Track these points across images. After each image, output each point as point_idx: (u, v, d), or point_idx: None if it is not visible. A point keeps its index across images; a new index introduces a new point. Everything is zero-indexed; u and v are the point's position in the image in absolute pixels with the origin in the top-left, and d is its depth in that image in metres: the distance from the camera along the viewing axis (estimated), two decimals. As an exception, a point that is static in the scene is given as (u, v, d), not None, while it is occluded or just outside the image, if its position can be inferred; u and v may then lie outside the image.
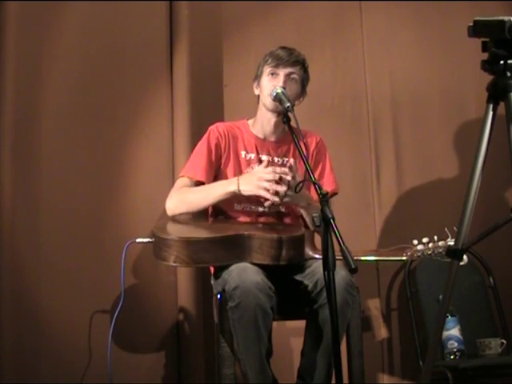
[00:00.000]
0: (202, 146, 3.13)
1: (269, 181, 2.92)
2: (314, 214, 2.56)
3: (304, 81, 3.13)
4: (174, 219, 3.06)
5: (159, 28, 3.70)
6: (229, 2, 3.81)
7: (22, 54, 3.36)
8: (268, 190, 2.92)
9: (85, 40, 3.53)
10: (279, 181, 2.92)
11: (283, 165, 3.15)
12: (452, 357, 3.47)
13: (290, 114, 2.91)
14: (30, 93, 3.39)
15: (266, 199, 2.95)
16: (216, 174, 3.13)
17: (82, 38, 3.53)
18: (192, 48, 3.69)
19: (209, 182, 3.08)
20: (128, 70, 3.62)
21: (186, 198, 3.06)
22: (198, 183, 3.08)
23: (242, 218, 3.09)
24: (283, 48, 3.11)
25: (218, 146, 3.12)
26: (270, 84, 3.05)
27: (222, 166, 3.13)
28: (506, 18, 2.16)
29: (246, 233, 2.87)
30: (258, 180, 2.94)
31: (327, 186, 3.09)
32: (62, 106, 3.45)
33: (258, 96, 3.15)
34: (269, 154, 3.16)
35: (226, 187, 2.99)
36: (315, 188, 2.67)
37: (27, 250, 3.31)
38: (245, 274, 2.74)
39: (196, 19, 3.72)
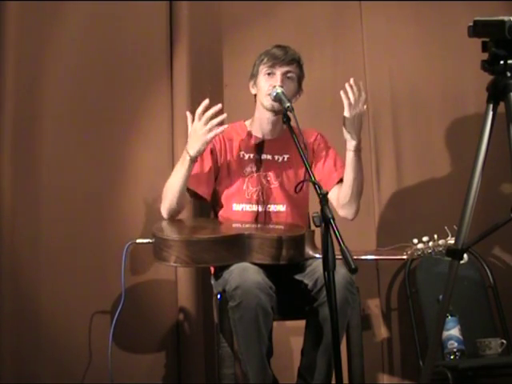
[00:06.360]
0: None
1: (206, 124, 2.92)
2: (313, 214, 2.57)
3: (300, 78, 3.13)
4: (174, 220, 3.06)
5: (159, 28, 3.70)
6: (229, 2, 3.81)
7: (22, 54, 3.36)
8: (211, 130, 2.92)
9: (85, 40, 3.53)
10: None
11: (283, 162, 3.15)
12: (452, 357, 3.46)
13: (289, 114, 2.91)
14: (30, 93, 3.38)
15: None
16: (216, 177, 3.12)
17: (82, 38, 3.52)
18: (192, 48, 3.68)
19: (202, 187, 3.08)
20: (128, 70, 3.61)
21: (164, 191, 3.06)
22: (189, 190, 3.06)
23: (242, 218, 3.09)
24: (278, 46, 3.10)
25: (213, 149, 3.11)
26: (267, 84, 3.05)
27: (221, 170, 3.12)
28: (506, 18, 2.16)
29: (246, 233, 2.87)
30: (199, 133, 2.93)
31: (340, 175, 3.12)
32: (62, 106, 3.45)
33: (255, 95, 3.15)
34: (268, 153, 3.15)
35: (182, 162, 2.99)
36: (315, 188, 2.67)
37: (27, 250, 3.31)
38: (245, 274, 2.74)
39: (196, 19, 3.72)
